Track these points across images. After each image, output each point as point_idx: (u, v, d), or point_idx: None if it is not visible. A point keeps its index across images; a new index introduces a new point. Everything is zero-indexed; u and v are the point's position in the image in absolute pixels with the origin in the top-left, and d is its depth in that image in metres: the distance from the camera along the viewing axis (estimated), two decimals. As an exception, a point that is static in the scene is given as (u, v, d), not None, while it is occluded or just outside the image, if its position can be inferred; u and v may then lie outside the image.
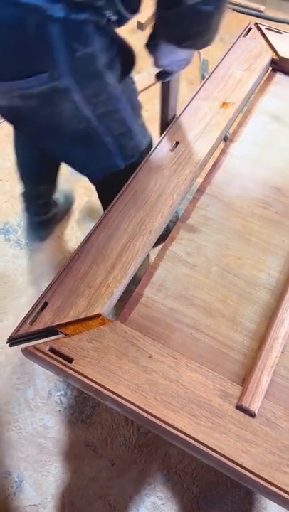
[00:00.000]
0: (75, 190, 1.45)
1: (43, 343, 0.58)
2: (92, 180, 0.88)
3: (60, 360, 0.56)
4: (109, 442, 1.04)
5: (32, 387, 1.08)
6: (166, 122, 0.80)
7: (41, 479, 1.00)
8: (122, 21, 0.61)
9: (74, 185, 1.46)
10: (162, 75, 0.71)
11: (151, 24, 0.64)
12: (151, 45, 0.66)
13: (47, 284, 0.64)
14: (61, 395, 1.08)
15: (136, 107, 0.76)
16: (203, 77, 1.74)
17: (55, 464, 1.02)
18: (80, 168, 0.84)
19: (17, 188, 1.44)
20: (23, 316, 0.61)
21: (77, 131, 0.69)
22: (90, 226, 1.34)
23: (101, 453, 1.03)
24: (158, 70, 0.72)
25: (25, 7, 0.51)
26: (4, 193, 1.44)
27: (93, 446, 1.03)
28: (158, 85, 1.74)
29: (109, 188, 0.76)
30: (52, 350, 0.57)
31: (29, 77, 0.59)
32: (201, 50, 1.83)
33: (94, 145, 0.72)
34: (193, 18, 0.58)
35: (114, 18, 0.58)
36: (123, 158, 0.77)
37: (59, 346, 0.57)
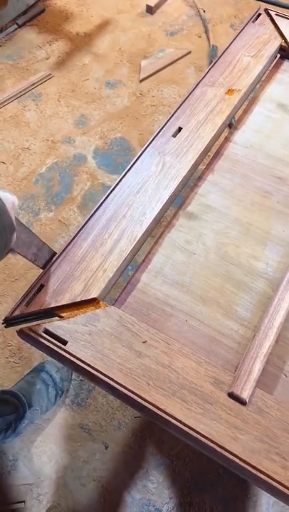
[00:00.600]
0: (78, 174, 1.44)
1: (38, 324, 0.58)
2: None
3: (54, 342, 0.56)
4: (104, 426, 1.05)
5: (29, 369, 1.09)
6: None
7: (36, 459, 1.02)
8: None
9: (76, 169, 1.45)
10: None
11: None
12: None
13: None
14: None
15: None
16: (211, 63, 1.70)
17: (50, 445, 1.03)
18: None
19: (20, 171, 1.44)
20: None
21: None
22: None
23: (95, 436, 1.04)
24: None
25: None
26: (7, 176, 1.44)
27: (88, 429, 1.05)
28: (165, 71, 1.71)
29: None
30: (46, 331, 0.57)
31: None
32: (210, 36, 1.81)
33: None
34: None
35: None
36: None
37: (54, 328, 0.57)
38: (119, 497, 0.99)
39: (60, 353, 0.56)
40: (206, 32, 1.84)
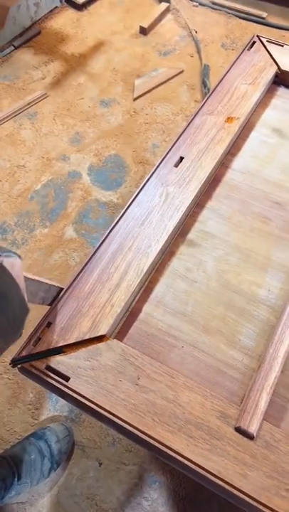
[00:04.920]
0: (73, 191, 1.42)
1: (40, 360, 0.55)
2: None
3: (56, 379, 0.53)
4: (98, 442, 1.01)
5: (23, 389, 1.05)
6: None
7: (31, 480, 0.97)
8: None
9: (71, 186, 1.43)
10: None
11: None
12: None
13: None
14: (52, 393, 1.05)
15: None
16: (204, 82, 1.70)
17: (45, 464, 0.99)
18: None
19: (16, 188, 1.41)
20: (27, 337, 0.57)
21: None
22: (88, 228, 1.33)
23: (89, 453, 1.00)
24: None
25: None
26: (3, 193, 1.41)
27: (82, 446, 1.01)
28: (159, 89, 1.71)
29: None
30: (48, 368, 0.54)
31: None
32: (202, 55, 1.81)
33: None
34: None
35: None
36: None
37: (56, 364, 0.54)
38: (114, 516, 0.95)
39: (62, 390, 0.53)
40: (198, 52, 1.84)
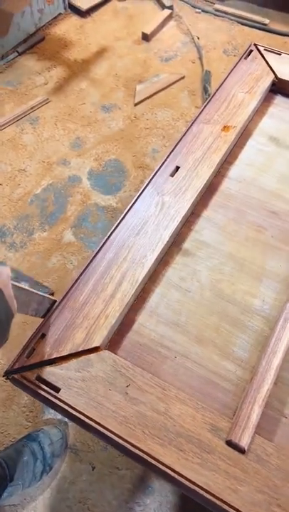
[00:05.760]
0: (72, 195, 1.41)
1: (31, 371, 0.54)
2: None
3: (46, 390, 0.52)
4: (91, 446, 1.00)
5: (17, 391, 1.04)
6: None
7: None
8: None
9: (71, 190, 1.42)
10: None
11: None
12: None
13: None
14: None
15: None
16: (205, 88, 1.69)
17: (38, 467, 0.98)
18: None
19: (16, 192, 1.41)
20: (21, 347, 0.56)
21: None
22: (86, 232, 1.32)
23: (82, 456, 0.99)
24: None
25: None
26: (3, 197, 1.41)
27: (75, 449, 0.99)
28: (160, 95, 1.70)
29: None
30: (39, 378, 0.53)
31: None
32: (203, 62, 1.80)
33: None
34: None
35: None
36: None
37: (46, 375, 0.53)
38: (106, 521, 0.94)
39: (52, 401, 0.52)
40: (200, 58, 1.83)
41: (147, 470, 0.97)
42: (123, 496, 0.96)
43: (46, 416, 1.03)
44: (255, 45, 0.87)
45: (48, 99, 1.65)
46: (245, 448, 0.52)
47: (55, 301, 0.59)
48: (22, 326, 1.13)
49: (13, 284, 0.48)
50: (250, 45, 0.87)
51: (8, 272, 0.46)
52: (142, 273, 0.61)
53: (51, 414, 1.03)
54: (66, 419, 1.02)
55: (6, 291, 0.44)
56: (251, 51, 0.86)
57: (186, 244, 0.68)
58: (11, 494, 0.89)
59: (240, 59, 0.85)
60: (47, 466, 0.92)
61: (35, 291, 0.55)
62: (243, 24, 1.96)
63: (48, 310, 0.59)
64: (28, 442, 0.92)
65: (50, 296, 0.58)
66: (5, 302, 0.44)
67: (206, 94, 1.69)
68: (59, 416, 1.03)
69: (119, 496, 0.96)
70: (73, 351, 0.55)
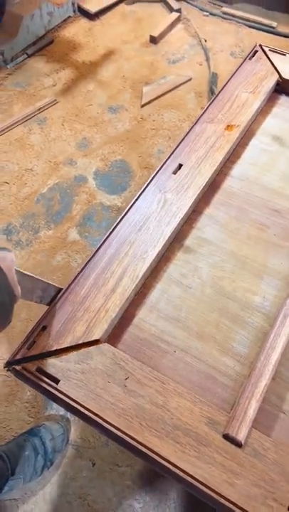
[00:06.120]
0: (78, 194, 1.42)
1: (31, 362, 0.54)
2: None
3: (46, 381, 0.53)
4: (92, 442, 1.00)
5: (21, 386, 1.05)
6: None
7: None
8: None
9: (77, 189, 1.43)
10: None
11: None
12: None
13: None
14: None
15: None
16: (211, 90, 1.69)
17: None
18: None
19: (23, 191, 1.42)
20: (21, 340, 0.57)
21: None
22: (91, 230, 1.33)
23: (83, 452, 0.99)
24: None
25: None
26: (10, 196, 1.43)
27: (76, 446, 1.00)
28: (166, 97, 1.71)
29: None
30: (39, 370, 0.54)
31: None
32: (211, 64, 1.81)
33: None
34: None
35: None
36: None
37: (46, 366, 0.54)
38: (105, 517, 0.94)
39: (52, 392, 0.53)
40: (207, 60, 1.83)
41: (147, 467, 0.97)
42: (123, 493, 0.96)
43: (48, 411, 1.04)
44: (260, 45, 0.88)
45: (55, 100, 1.66)
46: (242, 442, 0.52)
47: (60, 289, 0.60)
48: (25, 323, 1.14)
49: (17, 270, 0.49)
50: (255, 46, 0.87)
51: (12, 256, 0.47)
52: (142, 268, 0.61)
53: (53, 409, 1.04)
54: (68, 415, 1.02)
55: (10, 274, 0.45)
56: (256, 52, 0.87)
57: (188, 242, 0.69)
58: (12, 488, 0.89)
59: (245, 59, 0.85)
60: (48, 461, 0.93)
61: (40, 278, 0.56)
62: (250, 27, 1.96)
63: (53, 298, 0.60)
64: (29, 437, 0.93)
65: (55, 284, 0.59)
66: (8, 285, 0.45)
67: (213, 96, 1.70)
68: (61, 411, 1.03)
69: (120, 492, 0.96)
70: (73, 343, 0.55)
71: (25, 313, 1.15)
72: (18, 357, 0.55)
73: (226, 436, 0.52)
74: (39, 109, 1.63)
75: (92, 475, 0.97)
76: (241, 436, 0.52)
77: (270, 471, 0.51)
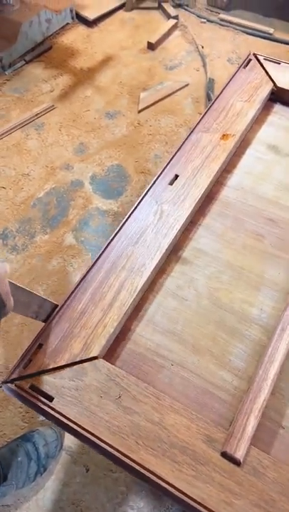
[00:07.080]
0: (74, 199, 1.39)
1: (24, 380, 0.52)
2: None
3: (40, 399, 0.50)
4: (85, 447, 0.98)
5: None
6: None
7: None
8: None
9: (73, 194, 1.41)
10: None
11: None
12: None
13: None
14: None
15: None
16: (208, 95, 1.67)
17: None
18: None
19: (19, 195, 1.40)
20: (18, 359, 0.54)
21: None
22: (87, 235, 1.31)
23: (77, 458, 0.97)
24: None
25: None
26: (6, 200, 1.40)
27: (70, 451, 0.97)
28: (164, 102, 1.69)
29: None
30: (32, 387, 0.51)
31: None
32: (207, 70, 1.79)
33: None
34: None
35: None
36: None
37: (40, 384, 0.51)
38: (98, 523, 0.91)
39: (45, 410, 0.50)
40: (204, 66, 1.82)
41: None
42: (117, 499, 0.94)
43: (42, 417, 1.01)
44: (254, 54, 0.85)
45: (53, 105, 1.64)
46: (241, 460, 0.49)
47: (56, 306, 0.58)
48: (20, 328, 1.12)
49: (12, 283, 0.46)
50: (249, 54, 0.85)
51: (6, 268, 0.45)
52: (140, 282, 0.59)
53: (50, 416, 1.02)
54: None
55: (1, 286, 0.43)
56: (250, 60, 0.84)
57: (184, 253, 0.67)
58: (5, 494, 0.87)
59: (239, 68, 0.83)
60: (41, 467, 0.91)
61: (36, 293, 0.53)
62: (247, 33, 1.94)
63: (49, 315, 0.57)
64: (22, 442, 0.90)
65: (51, 300, 0.57)
66: None
67: (210, 102, 1.68)
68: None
69: (113, 498, 0.94)
70: (70, 361, 0.53)
71: (20, 318, 1.12)
72: (13, 376, 0.52)
73: (224, 455, 0.50)
74: (37, 115, 1.61)
75: (85, 481, 0.95)
76: (240, 454, 0.49)
77: (270, 490, 0.49)
